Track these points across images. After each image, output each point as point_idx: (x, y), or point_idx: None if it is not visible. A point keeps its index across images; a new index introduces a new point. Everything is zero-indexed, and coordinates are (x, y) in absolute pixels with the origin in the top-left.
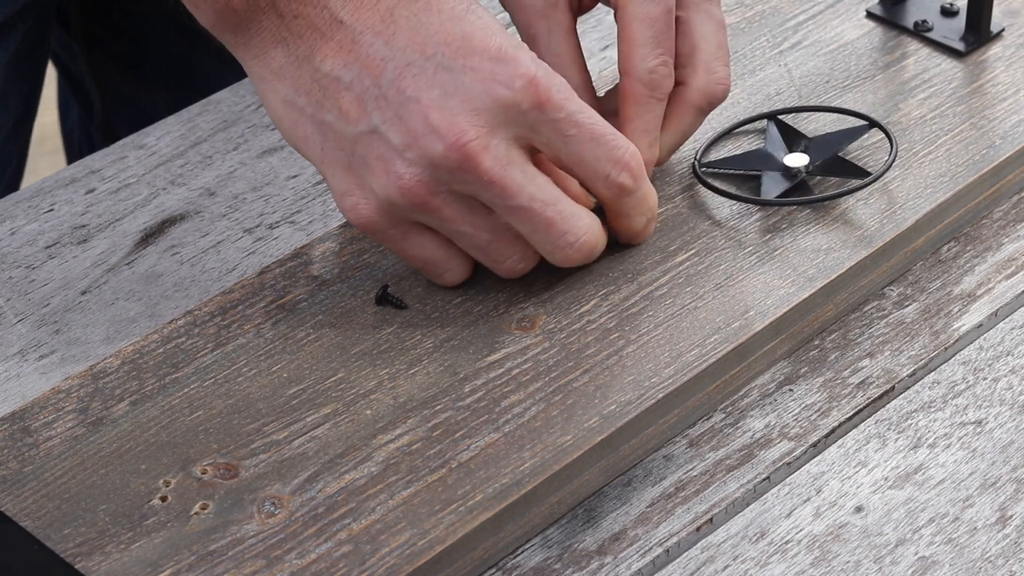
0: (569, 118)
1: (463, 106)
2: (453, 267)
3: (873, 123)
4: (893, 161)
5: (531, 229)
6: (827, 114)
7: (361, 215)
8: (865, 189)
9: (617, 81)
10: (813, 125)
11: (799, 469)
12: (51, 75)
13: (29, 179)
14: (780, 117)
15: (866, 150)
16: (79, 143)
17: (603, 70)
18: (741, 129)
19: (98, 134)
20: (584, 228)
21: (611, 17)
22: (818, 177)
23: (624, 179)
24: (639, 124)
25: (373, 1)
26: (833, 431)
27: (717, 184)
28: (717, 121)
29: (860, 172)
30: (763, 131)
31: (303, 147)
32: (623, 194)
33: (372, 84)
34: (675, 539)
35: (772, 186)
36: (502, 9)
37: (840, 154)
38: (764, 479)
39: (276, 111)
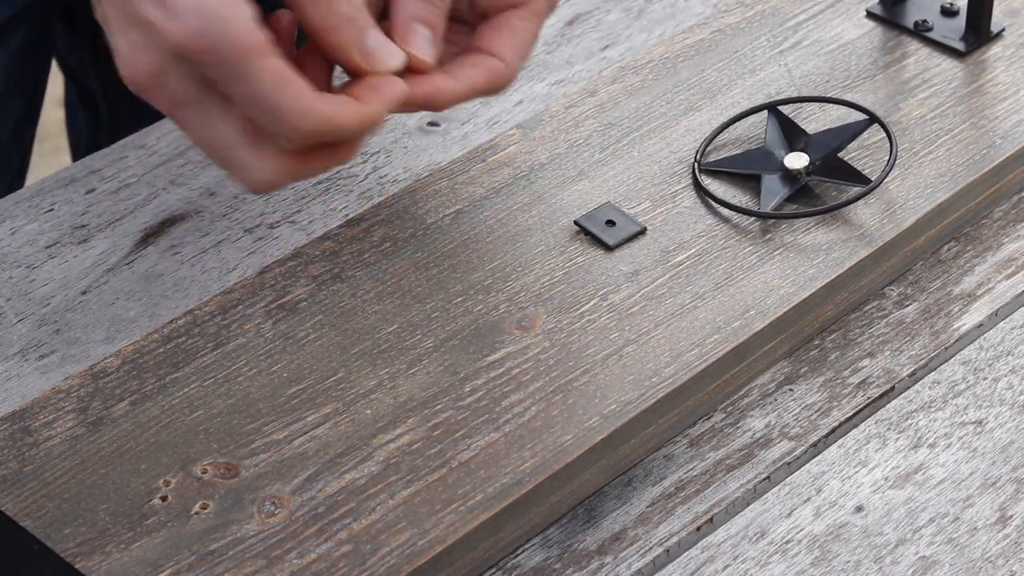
0: None
1: None
2: (244, 157)
3: (873, 118)
4: (891, 166)
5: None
6: (827, 114)
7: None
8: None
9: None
10: (813, 125)
11: (799, 469)
12: (54, 75)
13: (29, 179)
14: (780, 109)
15: (866, 150)
16: (86, 148)
17: (603, 70)
18: (741, 130)
19: (106, 138)
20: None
21: (611, 17)
22: (817, 179)
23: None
24: (515, 43)
25: None
26: (833, 431)
27: (717, 184)
28: (717, 120)
29: (860, 177)
30: (762, 137)
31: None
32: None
33: None
34: (675, 539)
35: (772, 190)
36: None
37: (840, 154)
38: (764, 479)
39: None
